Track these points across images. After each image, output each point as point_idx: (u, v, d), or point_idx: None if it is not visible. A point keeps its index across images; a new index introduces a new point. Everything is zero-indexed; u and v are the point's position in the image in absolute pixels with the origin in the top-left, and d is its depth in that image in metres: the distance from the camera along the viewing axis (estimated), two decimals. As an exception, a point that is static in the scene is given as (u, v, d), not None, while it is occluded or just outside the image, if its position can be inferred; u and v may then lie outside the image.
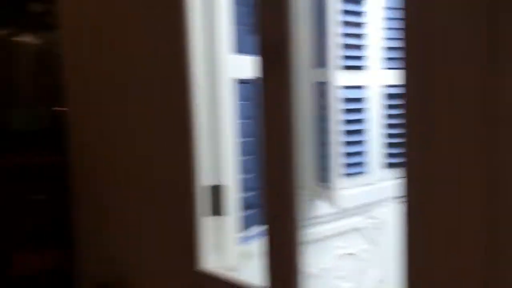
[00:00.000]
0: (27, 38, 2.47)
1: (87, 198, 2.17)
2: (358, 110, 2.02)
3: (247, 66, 1.58)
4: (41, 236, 2.28)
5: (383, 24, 2.07)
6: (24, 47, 2.43)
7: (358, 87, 2.02)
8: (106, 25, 1.90)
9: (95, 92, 2.06)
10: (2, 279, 2.22)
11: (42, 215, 2.29)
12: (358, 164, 2.04)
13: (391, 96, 2.11)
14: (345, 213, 2.13)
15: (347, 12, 1.93)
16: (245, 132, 1.69)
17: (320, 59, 1.93)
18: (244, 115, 1.68)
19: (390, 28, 2.08)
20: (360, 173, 2.05)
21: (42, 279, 2.25)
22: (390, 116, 2.11)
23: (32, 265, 2.23)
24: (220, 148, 1.57)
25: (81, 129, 2.19)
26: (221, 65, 1.55)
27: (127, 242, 1.92)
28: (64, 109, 2.29)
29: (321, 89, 1.94)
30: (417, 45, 0.93)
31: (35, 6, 2.86)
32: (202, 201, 1.52)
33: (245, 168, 1.69)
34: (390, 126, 2.11)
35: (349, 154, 1.99)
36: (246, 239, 1.71)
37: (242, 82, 1.66)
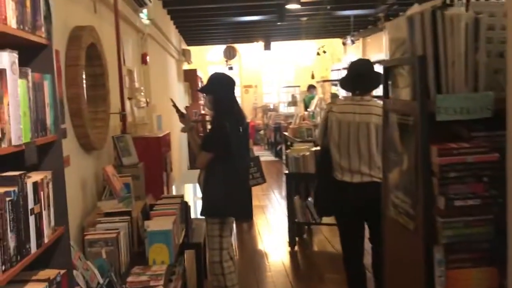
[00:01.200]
0: (457, 11, 2.15)
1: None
2: None
3: None
4: (482, 250, 1.95)
5: None
6: (455, 20, 2.12)
7: None
8: None
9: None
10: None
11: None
12: None
13: None
14: None
15: None
16: None
17: None
18: None
19: None
20: None
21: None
22: None
23: (466, 282, 1.93)
24: None
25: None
26: None
27: None
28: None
29: None
30: None
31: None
32: None
33: None
34: None
35: None
36: None
37: None
